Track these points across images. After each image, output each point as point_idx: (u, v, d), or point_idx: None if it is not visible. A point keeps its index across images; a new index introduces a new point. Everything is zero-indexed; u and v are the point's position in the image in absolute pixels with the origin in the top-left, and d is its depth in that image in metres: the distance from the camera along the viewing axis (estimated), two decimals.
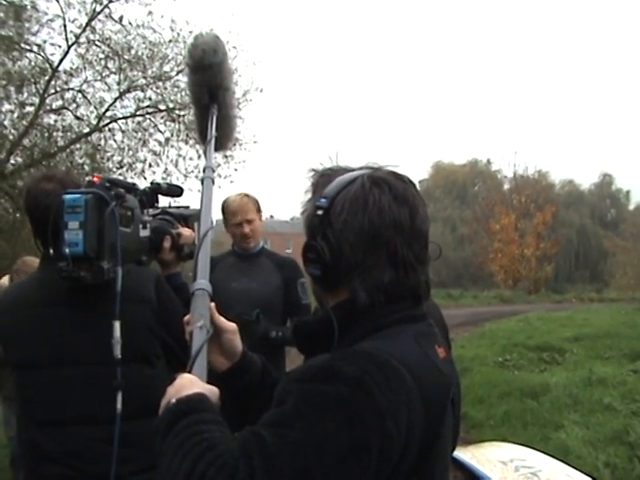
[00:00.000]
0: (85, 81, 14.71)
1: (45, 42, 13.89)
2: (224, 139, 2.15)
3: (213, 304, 1.50)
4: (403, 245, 1.29)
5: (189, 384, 1.23)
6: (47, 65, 14.01)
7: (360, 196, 1.30)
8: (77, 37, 14.11)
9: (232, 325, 1.54)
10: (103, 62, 14.64)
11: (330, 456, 1.01)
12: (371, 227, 1.28)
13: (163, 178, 14.66)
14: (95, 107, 14.97)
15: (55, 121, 14.59)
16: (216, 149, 2.04)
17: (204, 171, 1.89)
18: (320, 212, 1.33)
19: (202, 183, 1.85)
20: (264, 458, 0.99)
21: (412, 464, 1.16)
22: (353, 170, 1.38)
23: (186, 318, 1.48)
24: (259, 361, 1.59)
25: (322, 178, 1.41)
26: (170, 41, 14.84)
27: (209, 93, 2.05)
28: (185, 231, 2.42)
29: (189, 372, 1.31)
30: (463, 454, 3.10)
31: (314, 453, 1.01)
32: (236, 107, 2.17)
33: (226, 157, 14.37)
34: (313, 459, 1.00)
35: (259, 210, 3.87)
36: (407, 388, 1.14)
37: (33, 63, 13.98)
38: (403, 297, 1.32)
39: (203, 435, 1.07)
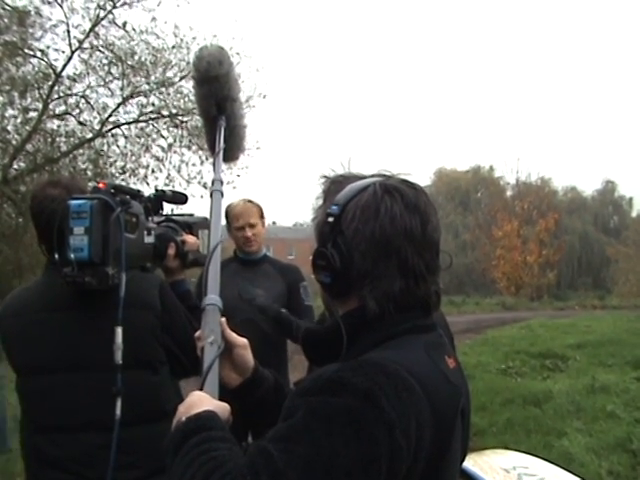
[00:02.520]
0: (88, 86, 14.72)
1: (48, 47, 13.90)
2: (234, 150, 2.14)
3: (224, 319, 1.49)
4: (414, 254, 1.28)
5: (199, 402, 1.22)
6: (50, 70, 14.01)
7: (372, 204, 1.29)
8: (80, 43, 14.12)
9: (243, 340, 1.52)
10: (106, 68, 14.64)
11: (339, 471, 1.00)
12: (382, 235, 1.27)
13: (166, 184, 14.68)
14: (98, 112, 14.98)
15: (58, 126, 14.59)
16: (226, 160, 2.03)
17: (213, 184, 1.86)
18: (331, 219, 1.31)
19: (211, 196, 1.83)
20: (272, 475, 0.98)
21: (421, 476, 1.14)
22: (365, 177, 1.37)
23: (197, 334, 1.47)
24: (271, 376, 1.58)
25: (334, 185, 1.40)
26: (173, 47, 14.86)
27: (217, 105, 2.03)
28: (190, 238, 2.42)
29: (201, 389, 1.30)
30: (465, 462, 3.09)
31: (322, 468, 1.00)
32: (244, 117, 2.16)
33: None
34: (322, 474, 0.99)
35: (262, 216, 3.89)
36: (416, 399, 1.13)
37: (36, 68, 13.98)
38: (413, 307, 1.31)
39: (211, 454, 1.06)
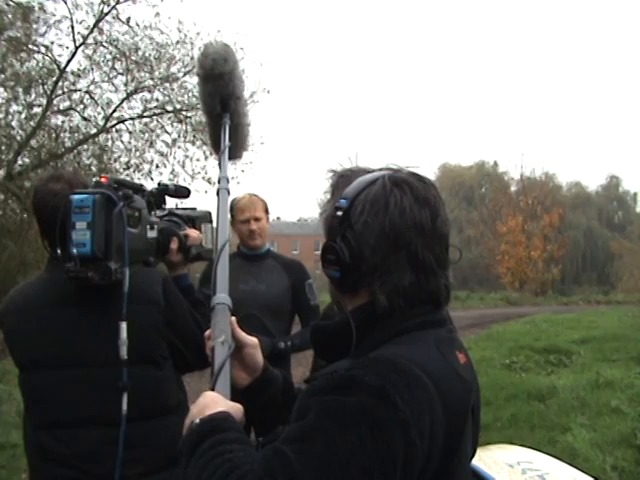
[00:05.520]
0: (92, 82, 14.74)
1: (53, 43, 13.92)
2: (238, 148, 2.13)
3: (234, 318, 1.48)
4: (424, 248, 1.27)
5: (212, 403, 1.21)
6: (55, 66, 14.03)
7: (381, 197, 1.28)
8: (85, 38, 14.14)
9: (253, 339, 1.52)
10: (110, 63, 14.67)
11: (355, 470, 1.00)
12: (392, 229, 1.26)
13: (170, 179, 14.69)
14: (102, 108, 15.00)
15: (62, 122, 14.61)
16: (230, 158, 2.02)
17: (219, 182, 1.86)
18: (340, 213, 1.31)
19: (217, 194, 1.82)
20: (288, 476, 0.98)
21: (434, 472, 1.14)
22: (373, 171, 1.37)
23: (207, 333, 1.47)
24: (280, 375, 1.58)
25: (342, 179, 1.39)
26: (177, 42, 14.89)
27: (221, 102, 2.02)
28: (192, 232, 2.42)
29: (212, 389, 1.29)
30: None
31: (339, 468, 0.99)
32: (248, 115, 2.15)
33: None
34: (338, 474, 0.99)
35: (267, 211, 3.89)
36: (429, 396, 1.12)
37: (41, 64, 14.00)
38: (423, 301, 1.30)
39: (226, 456, 1.05)
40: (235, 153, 2.13)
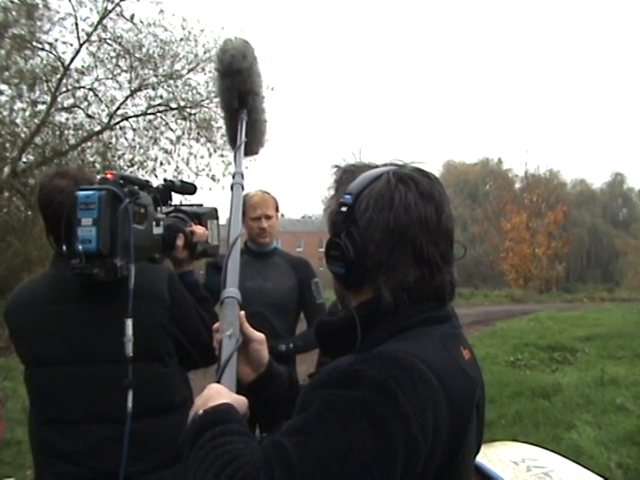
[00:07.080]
0: (96, 79, 14.81)
1: (57, 40, 14.00)
2: (254, 144, 2.13)
3: (243, 312, 1.48)
4: (429, 244, 1.26)
5: (216, 394, 1.20)
6: (59, 63, 14.08)
7: (386, 193, 1.27)
8: (89, 35, 14.18)
9: (260, 335, 1.52)
10: (114, 60, 14.73)
11: (354, 464, 0.99)
12: (397, 224, 1.25)
13: (174, 176, 14.70)
14: (106, 105, 15.07)
15: (67, 119, 14.66)
16: (246, 154, 2.01)
17: (233, 177, 1.86)
18: (344, 209, 1.30)
19: (232, 189, 1.82)
20: (286, 468, 0.97)
21: (437, 469, 1.13)
22: (377, 166, 1.36)
23: (215, 326, 1.46)
24: (285, 372, 1.58)
25: (346, 174, 1.39)
26: (181, 39, 14.96)
27: (239, 98, 2.02)
28: (198, 229, 2.41)
29: (218, 382, 1.28)
30: None
31: (338, 462, 0.98)
32: (266, 112, 2.15)
33: None
34: (337, 468, 0.98)
35: (277, 209, 3.88)
36: (433, 391, 1.11)
37: (45, 61, 14.06)
38: (428, 297, 1.29)
39: (226, 447, 1.05)
40: (251, 149, 2.13)
